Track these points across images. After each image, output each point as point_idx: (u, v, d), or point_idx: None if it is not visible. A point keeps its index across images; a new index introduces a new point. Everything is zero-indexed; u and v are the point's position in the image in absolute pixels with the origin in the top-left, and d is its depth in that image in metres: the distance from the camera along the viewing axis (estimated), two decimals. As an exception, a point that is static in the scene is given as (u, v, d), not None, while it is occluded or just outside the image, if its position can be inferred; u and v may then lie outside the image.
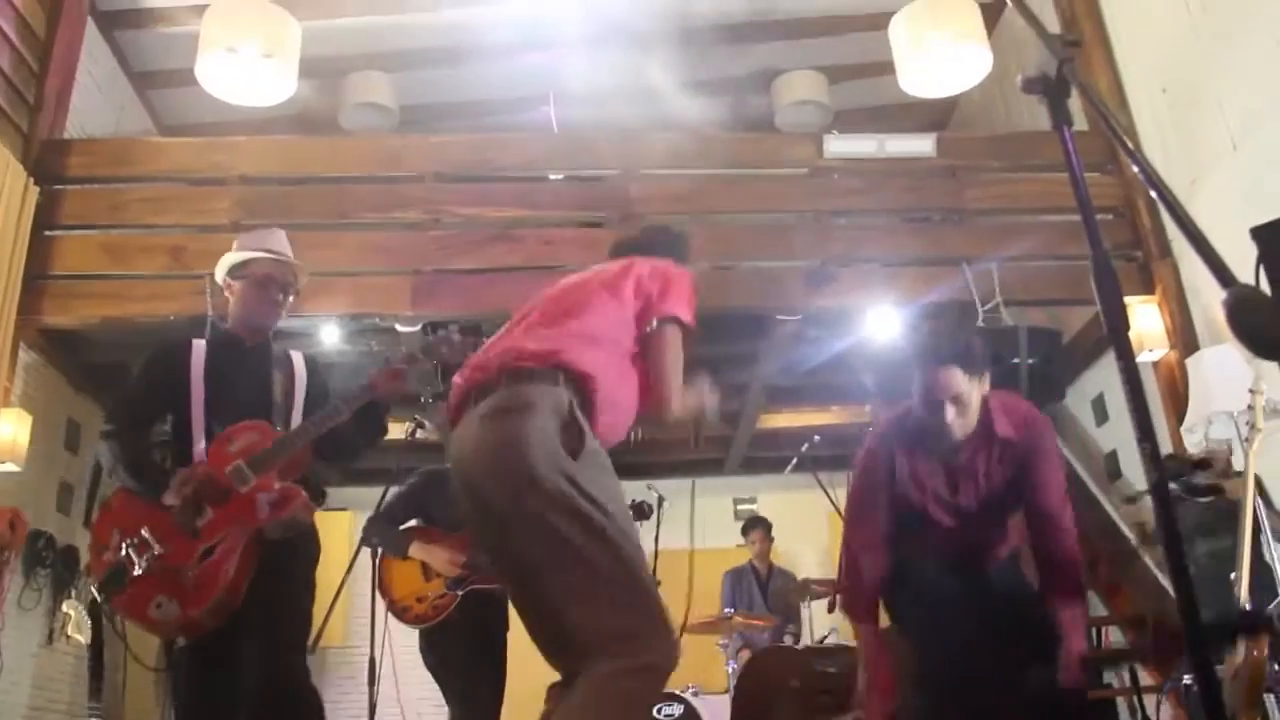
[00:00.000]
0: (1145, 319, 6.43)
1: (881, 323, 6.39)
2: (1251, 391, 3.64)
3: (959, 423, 3.04)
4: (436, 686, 8.64)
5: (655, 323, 2.52)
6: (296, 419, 3.28)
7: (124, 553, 2.90)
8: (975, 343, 3.05)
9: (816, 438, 5.19)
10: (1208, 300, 6.17)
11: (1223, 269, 1.28)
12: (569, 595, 2.13)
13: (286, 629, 3.14)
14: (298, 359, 3.45)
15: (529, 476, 2.14)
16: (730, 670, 6.30)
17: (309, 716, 3.11)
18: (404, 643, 8.59)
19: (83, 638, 4.69)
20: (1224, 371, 4.31)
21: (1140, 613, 6.98)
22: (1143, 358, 6.46)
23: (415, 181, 6.39)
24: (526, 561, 2.18)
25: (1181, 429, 4.63)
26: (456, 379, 2.44)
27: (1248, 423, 3.63)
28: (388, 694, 8.37)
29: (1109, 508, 7.50)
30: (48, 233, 5.93)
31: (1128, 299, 6.56)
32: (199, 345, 3.31)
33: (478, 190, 6.53)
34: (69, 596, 5.69)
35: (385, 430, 3.43)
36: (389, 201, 6.35)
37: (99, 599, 3.02)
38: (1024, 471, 3.17)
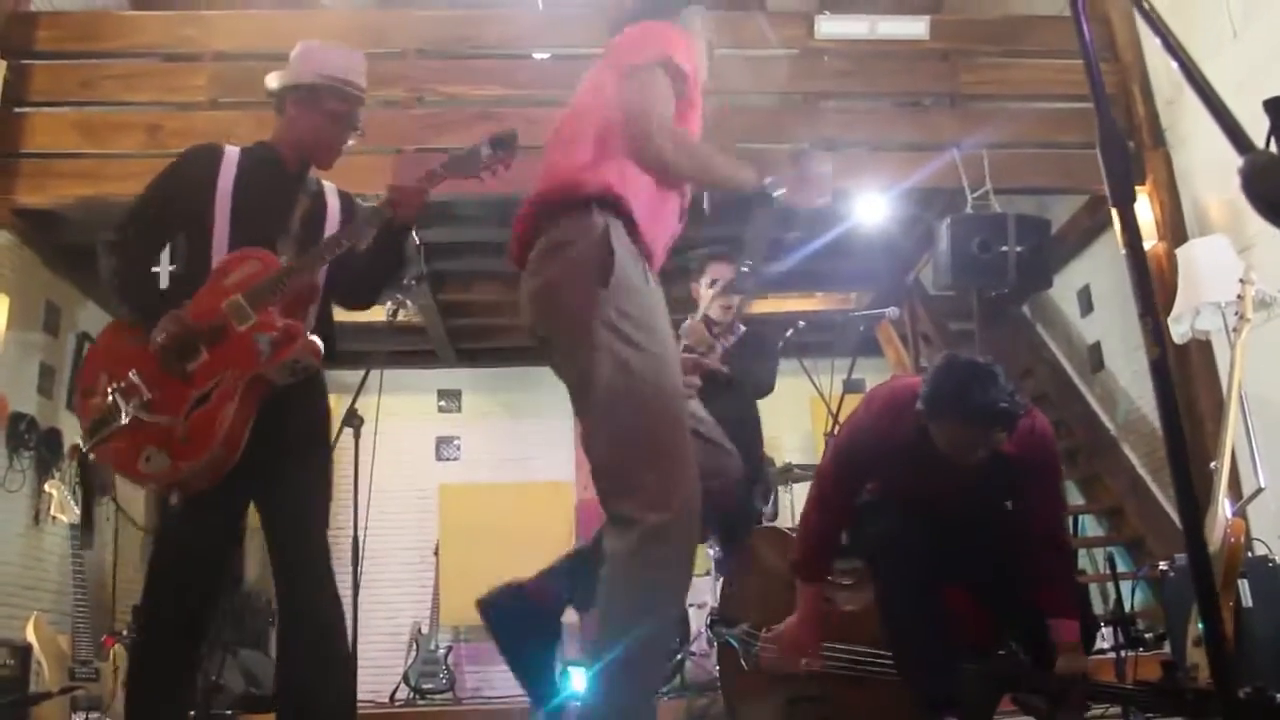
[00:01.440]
0: (1136, 209, 6.37)
1: (870, 208, 6.32)
2: (1241, 282, 3.61)
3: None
4: (420, 567, 8.77)
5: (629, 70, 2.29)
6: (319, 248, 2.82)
7: (111, 398, 2.59)
8: (1012, 397, 2.82)
9: (801, 323, 5.15)
10: (1198, 191, 6.11)
11: (1239, 133, 1.23)
12: (595, 438, 2.19)
13: (311, 500, 2.89)
14: (331, 191, 3.01)
15: (567, 320, 2.21)
16: (711, 554, 6.37)
17: (336, 618, 2.87)
18: (387, 523, 8.76)
19: (66, 518, 4.69)
20: (1213, 262, 4.28)
21: (1118, 503, 7.07)
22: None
23: (396, 58, 6.22)
24: (574, 398, 2.25)
25: (1168, 319, 4.61)
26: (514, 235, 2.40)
27: (1236, 313, 3.61)
28: (371, 574, 8.56)
29: (1090, 399, 7.55)
30: (18, 109, 5.77)
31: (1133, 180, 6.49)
32: (232, 153, 2.87)
33: (461, 68, 6.37)
34: (52, 477, 5.67)
35: (407, 261, 3.04)
36: (370, 78, 6.16)
37: (84, 449, 2.72)
38: (1021, 485, 3.07)
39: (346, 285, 2.91)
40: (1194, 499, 1.27)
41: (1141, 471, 7.01)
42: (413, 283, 6.33)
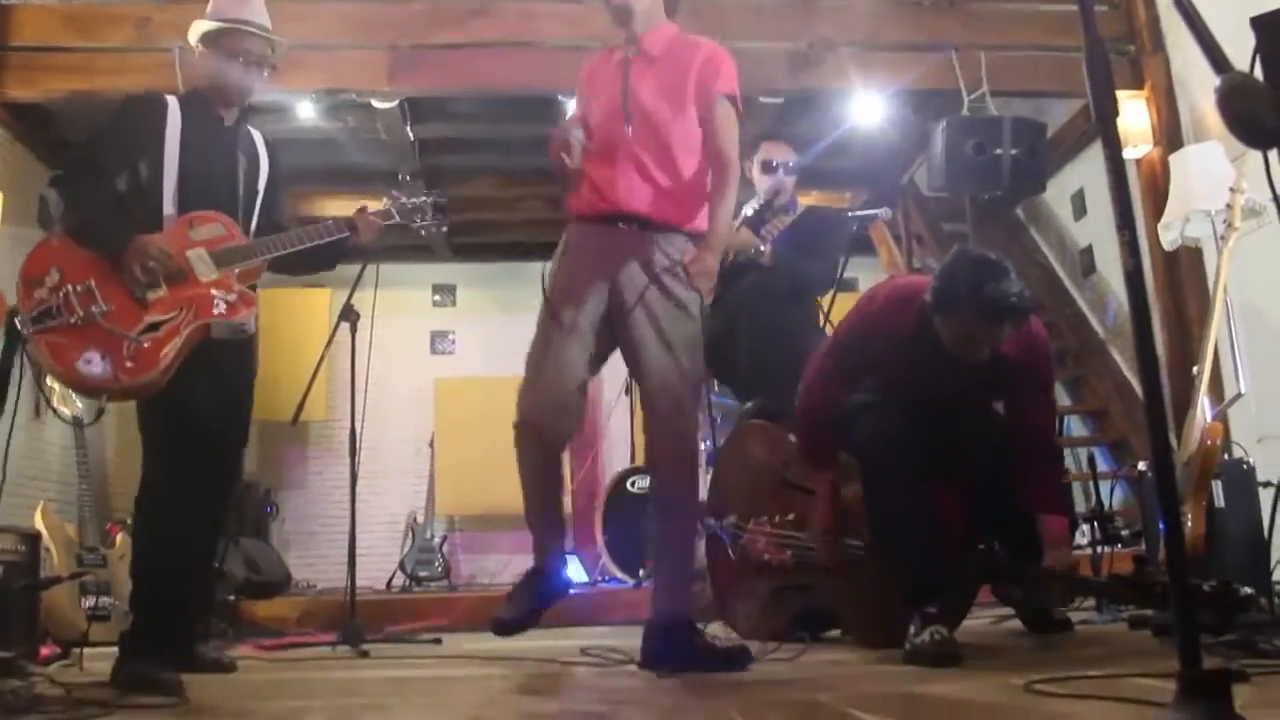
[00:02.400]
0: (1132, 114, 6.35)
1: (866, 109, 6.30)
2: (1232, 190, 3.64)
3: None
4: (416, 459, 8.91)
5: None
6: (256, 212, 3.19)
7: (63, 296, 2.80)
8: (1025, 293, 2.86)
9: (855, 222, 5.13)
10: (1196, 97, 6.10)
11: (1218, 53, 1.26)
12: None
13: (239, 430, 3.23)
14: (260, 142, 3.28)
15: None
16: (704, 447, 6.50)
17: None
18: (384, 415, 8.88)
19: (68, 410, 4.76)
20: (1206, 169, 4.29)
21: (1104, 405, 7.19)
22: (1126, 153, 6.41)
23: (391, -51, 6.13)
24: None
25: (1158, 226, 4.65)
26: None
27: (1225, 221, 3.65)
28: (369, 466, 8.70)
29: (1081, 302, 7.61)
30: (4, 2, 5.69)
31: (1116, 93, 6.47)
32: (174, 103, 3.10)
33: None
34: (53, 369, 5.71)
35: (335, 265, 3.43)
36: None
37: (22, 331, 2.89)
38: (1014, 387, 3.14)
39: (283, 262, 3.19)
40: (1161, 404, 1.34)
41: (1128, 374, 7.10)
42: (407, 177, 6.38)
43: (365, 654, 3.79)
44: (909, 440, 3.04)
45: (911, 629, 2.87)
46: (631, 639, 3.11)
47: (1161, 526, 1.28)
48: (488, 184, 7.81)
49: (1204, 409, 3.43)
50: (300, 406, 4.28)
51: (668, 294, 2.93)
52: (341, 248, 3.26)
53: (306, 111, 6.14)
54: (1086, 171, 7.36)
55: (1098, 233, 7.35)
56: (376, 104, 5.97)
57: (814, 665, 2.92)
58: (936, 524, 3.05)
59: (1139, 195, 6.50)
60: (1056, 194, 7.51)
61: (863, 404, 3.25)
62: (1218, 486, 3.35)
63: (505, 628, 3.05)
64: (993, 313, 2.79)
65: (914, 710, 1.98)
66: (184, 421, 2.93)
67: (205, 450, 2.99)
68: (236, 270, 2.97)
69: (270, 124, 6.28)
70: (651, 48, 3.04)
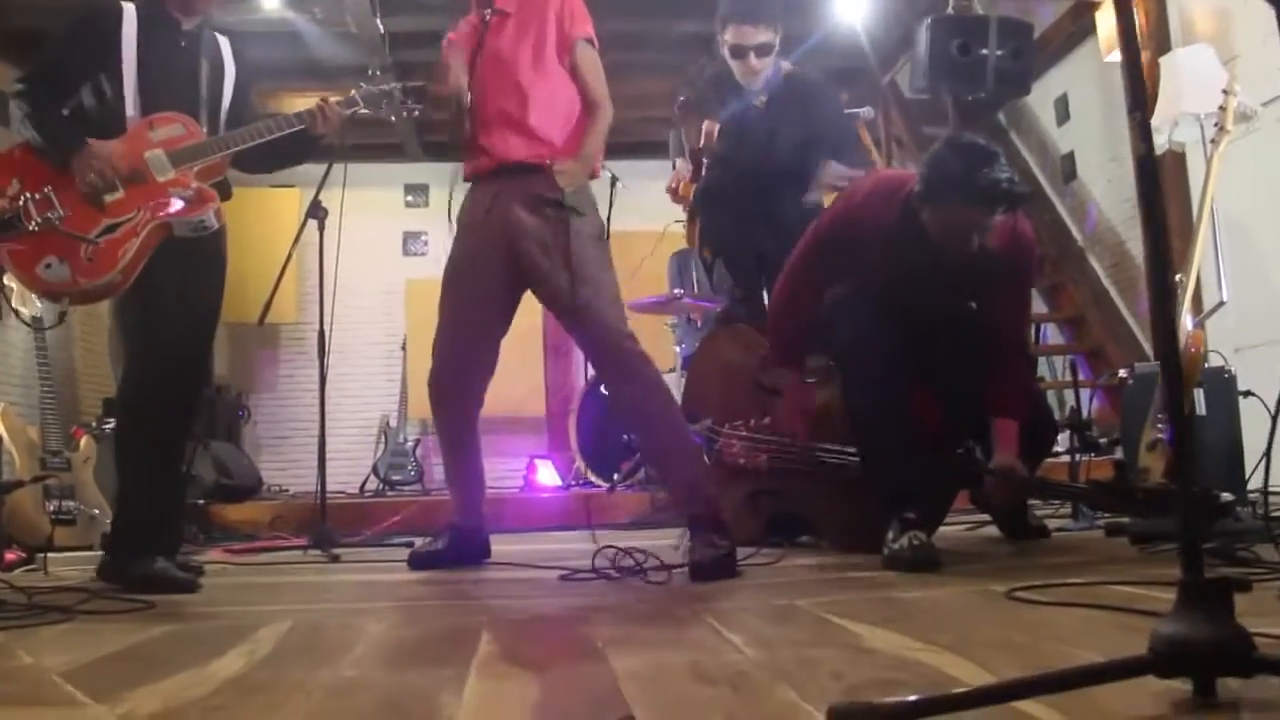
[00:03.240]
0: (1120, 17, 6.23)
1: (850, 5, 6.13)
2: (1224, 92, 3.55)
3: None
4: (388, 361, 8.84)
5: None
6: (223, 114, 3.10)
7: (22, 204, 2.79)
8: (1015, 177, 2.78)
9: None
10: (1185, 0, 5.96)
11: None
12: None
13: (210, 327, 3.18)
14: (225, 46, 3.17)
15: None
16: (678, 350, 6.46)
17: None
18: (355, 318, 8.78)
19: (28, 310, 4.63)
20: (1196, 72, 4.19)
21: (1080, 313, 7.17)
22: (1113, 57, 6.31)
23: None
24: None
25: (1147, 129, 4.55)
26: None
27: (1215, 124, 3.56)
28: (340, 368, 8.63)
29: (1061, 209, 7.54)
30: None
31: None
32: (130, 10, 3.00)
33: None
34: (11, 269, 5.57)
35: (303, 160, 3.30)
36: None
37: None
38: (993, 284, 3.02)
39: (248, 160, 3.14)
40: (1171, 305, 1.27)
41: (1106, 283, 7.08)
42: (376, 71, 6.12)
43: (336, 558, 3.74)
44: (889, 342, 2.98)
45: (890, 534, 2.84)
46: (602, 543, 3.08)
47: (1168, 434, 1.22)
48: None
49: (1186, 318, 3.38)
50: (266, 307, 4.16)
51: (557, 222, 3.03)
52: (305, 143, 3.13)
53: (271, 1, 5.91)
54: (1071, 76, 7.23)
55: (1080, 139, 7.25)
56: (344, -8, 5.76)
57: (791, 570, 2.90)
58: (916, 428, 3.01)
59: (1125, 100, 6.40)
60: (1039, 98, 7.38)
61: (840, 304, 3.18)
62: (1199, 395, 3.32)
63: (415, 561, 3.25)
64: (985, 199, 2.71)
65: (893, 616, 1.94)
66: (157, 317, 2.88)
67: (179, 347, 2.93)
68: (195, 168, 2.92)
69: (233, 15, 6.09)
70: (505, 4, 3.17)
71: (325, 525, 4.09)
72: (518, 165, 3.10)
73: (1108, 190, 6.89)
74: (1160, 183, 1.31)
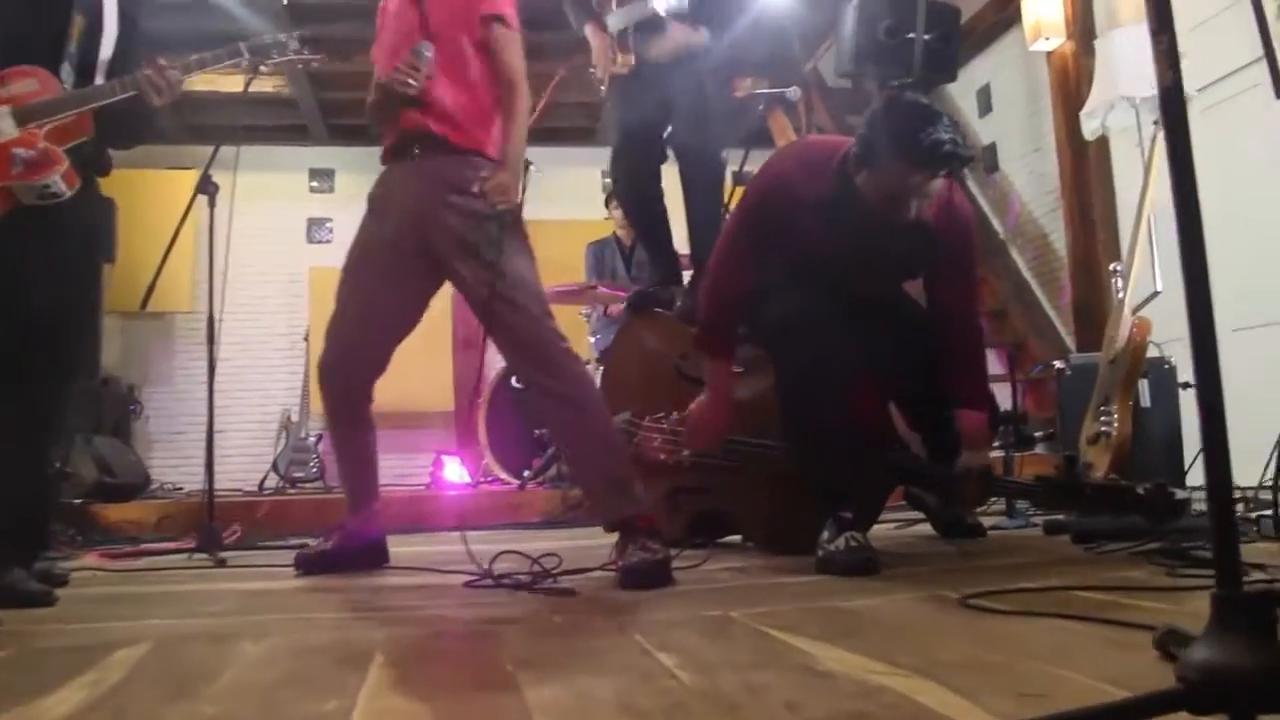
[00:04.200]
0: (1046, 6, 6.15)
1: (774, -8, 5.94)
2: (1167, 71, 3.41)
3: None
4: (291, 353, 8.45)
5: None
6: (99, 73, 2.75)
7: None
8: (960, 134, 2.55)
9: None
10: (1111, -13, 5.89)
11: None
12: None
13: (78, 310, 2.80)
14: (110, 5, 2.79)
15: None
16: (593, 342, 6.21)
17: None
18: (256, 307, 8.39)
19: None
20: (1133, 55, 4.07)
21: (1002, 306, 7.08)
22: (1038, 46, 6.22)
23: None
24: None
25: (1081, 114, 4.43)
26: None
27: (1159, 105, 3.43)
28: (240, 360, 8.24)
29: (982, 200, 7.46)
30: None
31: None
32: None
33: None
34: None
35: (138, 136, 2.93)
36: None
37: None
38: (935, 261, 2.84)
39: (110, 128, 2.78)
40: (1205, 277, 1.06)
41: (1027, 275, 7.00)
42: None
43: (223, 563, 3.43)
44: (825, 327, 2.74)
45: (824, 534, 2.63)
46: (508, 544, 2.83)
47: (1202, 429, 1.01)
48: (367, 59, 7.23)
49: (1129, 306, 3.24)
50: (150, 290, 3.82)
51: (473, 213, 2.81)
52: (139, 115, 2.77)
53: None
54: (994, 66, 7.15)
55: (1003, 130, 7.17)
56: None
57: (718, 575, 2.66)
58: (853, 421, 2.80)
59: (1049, 90, 6.33)
60: (961, 88, 7.29)
61: (771, 288, 2.94)
62: (1143, 385, 3.17)
63: (302, 564, 3.01)
64: (928, 161, 2.49)
65: (841, 630, 1.72)
66: (7, 296, 2.54)
67: (37, 331, 2.59)
68: (45, 127, 2.59)
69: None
70: None
71: (213, 526, 3.75)
72: (435, 142, 2.88)
73: (1030, 182, 6.82)
74: (1186, 125, 1.10)
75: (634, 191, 4.02)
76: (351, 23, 6.77)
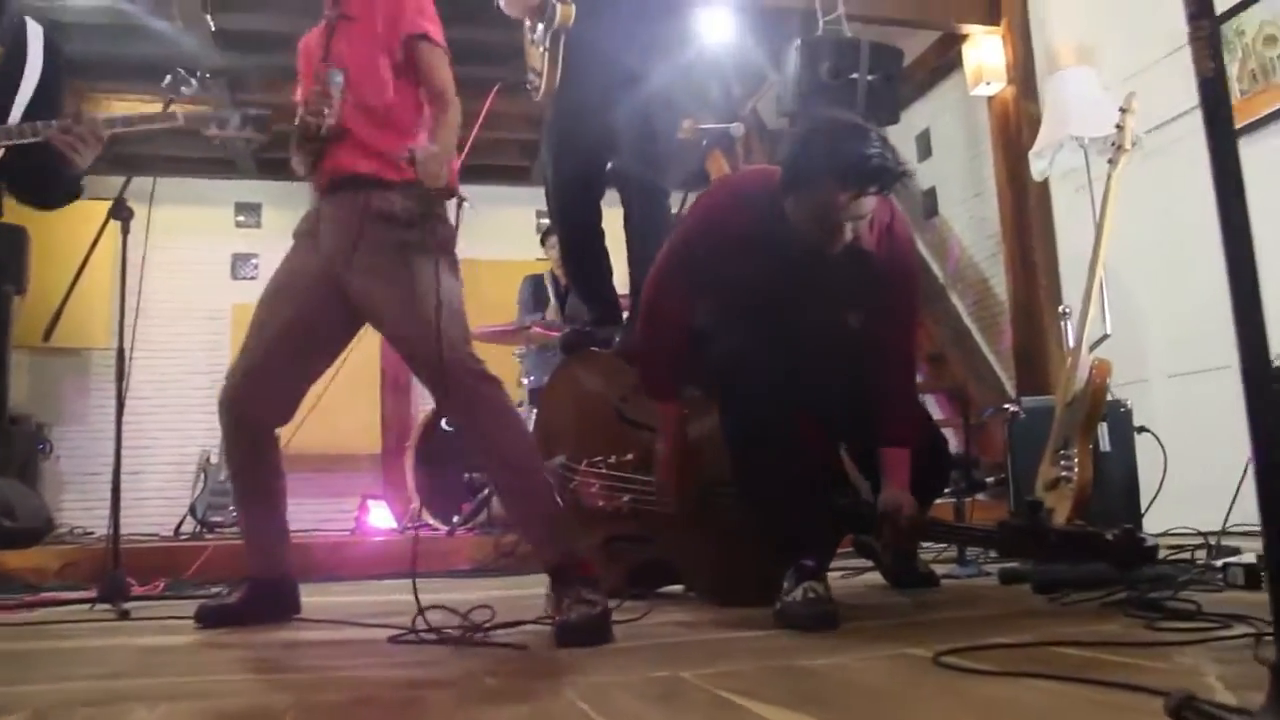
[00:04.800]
0: (988, 51, 6.16)
1: (714, 25, 5.86)
2: (1122, 110, 3.35)
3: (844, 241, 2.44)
4: (211, 392, 8.15)
5: None
6: (15, 110, 2.58)
7: None
8: (897, 156, 2.41)
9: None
10: (1052, 35, 5.91)
11: None
12: None
13: None
14: (33, 35, 2.64)
15: None
16: (525, 384, 6.02)
17: None
18: (176, 344, 8.08)
19: None
20: (1082, 95, 4.04)
21: (940, 351, 7.02)
22: (979, 90, 6.23)
23: None
24: None
25: (1030, 154, 4.38)
26: None
27: (1112, 143, 3.37)
28: (158, 399, 7.92)
29: (921, 245, 7.42)
30: None
31: (971, 28, 6.26)
32: None
33: None
34: None
35: (48, 192, 2.81)
36: None
37: None
38: (876, 292, 2.66)
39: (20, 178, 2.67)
40: (1258, 313, 0.92)
41: (967, 321, 6.97)
42: (206, 75, 5.55)
43: (126, 614, 3.17)
44: (772, 367, 2.58)
45: (785, 583, 2.44)
46: (436, 593, 2.63)
47: (1257, 473, 0.87)
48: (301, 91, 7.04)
49: (1085, 347, 3.14)
50: (54, 320, 3.58)
51: (391, 246, 2.64)
52: (49, 169, 2.61)
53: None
54: (934, 110, 7.15)
55: (943, 175, 7.15)
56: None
57: (663, 630, 2.47)
58: (811, 464, 2.65)
59: (989, 134, 6.32)
60: (901, 132, 7.23)
61: (712, 328, 2.79)
62: (1103, 429, 3.07)
63: (204, 616, 2.78)
64: (853, 176, 2.32)
65: (806, 694, 1.56)
66: None
67: None
68: None
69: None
70: (350, 7, 2.82)
71: (117, 573, 3.48)
72: (365, 180, 2.70)
73: (970, 226, 6.79)
74: (1229, 120, 0.97)
75: (572, 223, 3.85)
76: (281, 52, 6.56)
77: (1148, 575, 2.45)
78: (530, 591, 3.04)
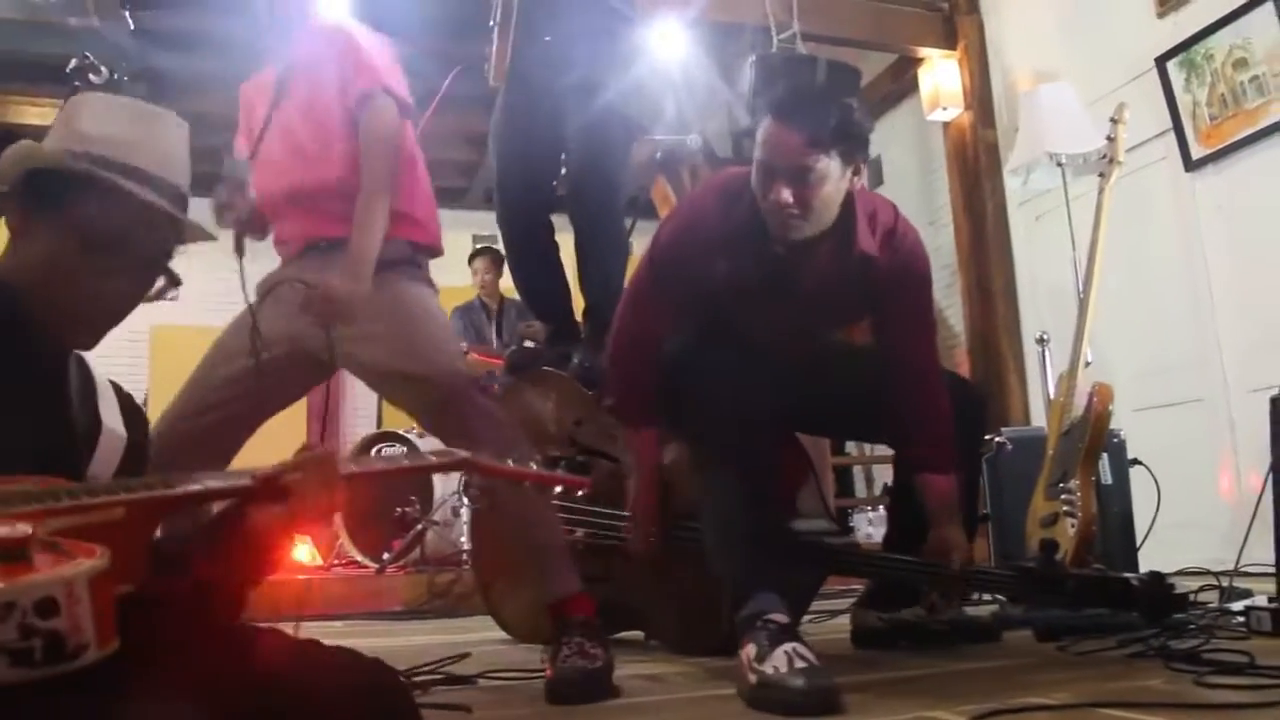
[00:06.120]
0: (944, 75, 6.01)
1: (667, 41, 5.62)
2: (1113, 121, 3.15)
3: (797, 217, 2.14)
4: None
5: None
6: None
7: None
8: (850, 112, 2.13)
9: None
10: (1010, 61, 5.78)
11: None
12: None
13: None
14: (109, 403, 1.55)
15: None
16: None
17: None
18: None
19: None
20: (1058, 110, 3.86)
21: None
22: (935, 116, 6.07)
23: None
24: None
25: (1006, 171, 4.19)
26: None
27: (1103, 156, 3.16)
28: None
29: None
30: None
31: (927, 51, 6.11)
32: None
33: None
34: None
35: None
36: None
37: None
38: (881, 300, 2.38)
39: None
40: None
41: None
42: (124, 78, 5.16)
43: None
44: (747, 399, 2.24)
45: (750, 648, 1.93)
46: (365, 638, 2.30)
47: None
48: (225, 99, 6.64)
49: (1080, 372, 2.92)
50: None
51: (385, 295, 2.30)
52: None
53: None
54: (886, 138, 6.98)
55: (895, 202, 6.95)
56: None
57: (626, 685, 2.12)
58: (780, 498, 2.36)
59: (945, 161, 6.16)
60: (851, 161, 7.10)
61: (681, 353, 2.48)
62: (1104, 461, 2.83)
63: None
64: (784, 109, 2.10)
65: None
66: None
67: None
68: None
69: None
70: (296, 56, 2.50)
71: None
72: (338, 241, 2.33)
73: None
74: None
75: (519, 222, 3.55)
76: (208, 56, 6.19)
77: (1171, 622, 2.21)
78: (475, 636, 2.72)
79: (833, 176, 2.12)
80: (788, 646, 1.89)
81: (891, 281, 2.34)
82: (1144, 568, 3.02)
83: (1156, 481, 2.93)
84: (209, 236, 1.54)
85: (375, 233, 2.27)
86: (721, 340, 2.38)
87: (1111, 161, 3.10)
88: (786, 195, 2.11)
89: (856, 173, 2.19)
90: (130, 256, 1.37)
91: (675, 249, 2.43)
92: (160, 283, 1.48)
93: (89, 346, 1.43)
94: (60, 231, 1.32)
